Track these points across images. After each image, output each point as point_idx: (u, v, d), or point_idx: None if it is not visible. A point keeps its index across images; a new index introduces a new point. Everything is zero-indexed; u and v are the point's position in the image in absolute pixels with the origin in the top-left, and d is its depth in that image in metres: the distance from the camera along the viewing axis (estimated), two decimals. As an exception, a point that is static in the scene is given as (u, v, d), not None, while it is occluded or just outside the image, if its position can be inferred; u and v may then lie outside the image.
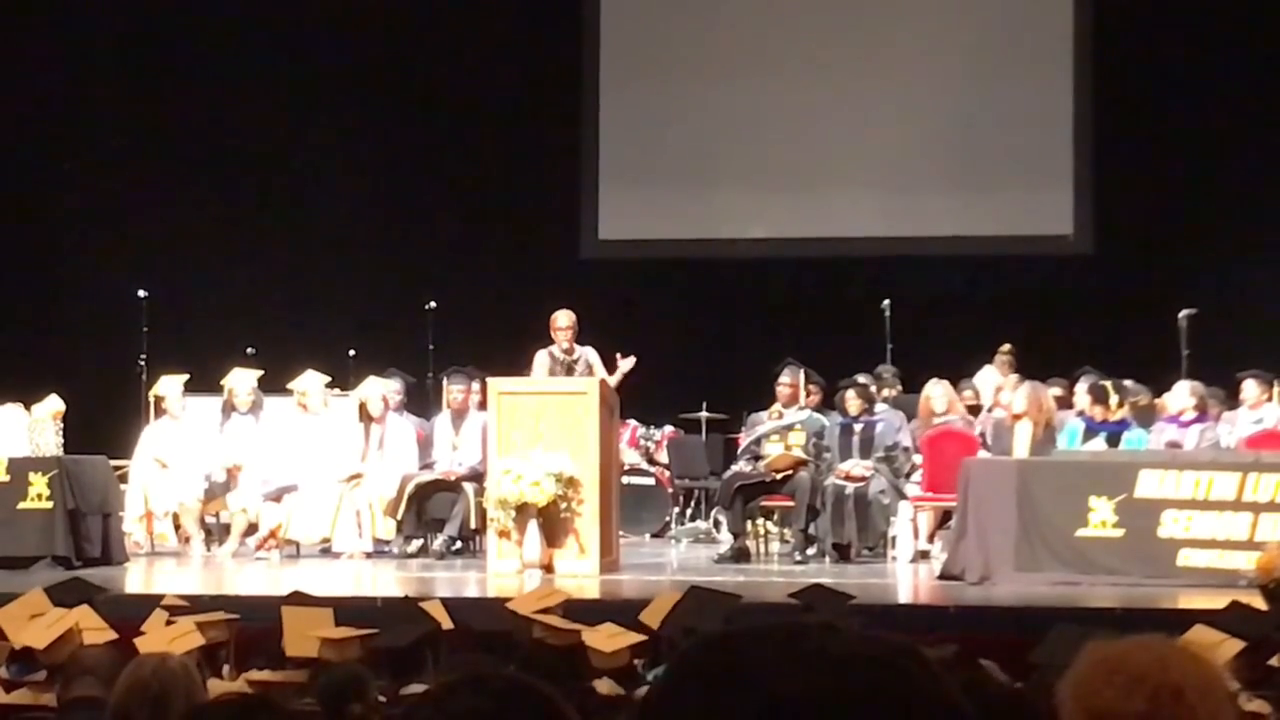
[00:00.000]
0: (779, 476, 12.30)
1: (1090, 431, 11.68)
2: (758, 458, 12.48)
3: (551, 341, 12.23)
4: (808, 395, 12.94)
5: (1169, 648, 2.06)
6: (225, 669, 6.71)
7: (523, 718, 1.69)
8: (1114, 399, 11.78)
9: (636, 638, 6.62)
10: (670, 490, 14.91)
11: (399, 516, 12.55)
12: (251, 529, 12.86)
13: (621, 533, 12.45)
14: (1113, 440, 11.57)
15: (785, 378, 12.62)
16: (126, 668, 4.25)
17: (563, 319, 12.21)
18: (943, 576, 10.91)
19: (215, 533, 13.23)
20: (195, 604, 7.63)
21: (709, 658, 1.36)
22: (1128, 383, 12.63)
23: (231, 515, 12.94)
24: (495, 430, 11.39)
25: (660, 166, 17.17)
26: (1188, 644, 2.02)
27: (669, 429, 15.67)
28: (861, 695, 1.31)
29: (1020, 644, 6.01)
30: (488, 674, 1.73)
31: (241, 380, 13.23)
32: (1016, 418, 11.80)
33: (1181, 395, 12.17)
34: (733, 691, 1.31)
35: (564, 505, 11.04)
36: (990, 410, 13.16)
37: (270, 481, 12.68)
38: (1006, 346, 13.95)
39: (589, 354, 12.19)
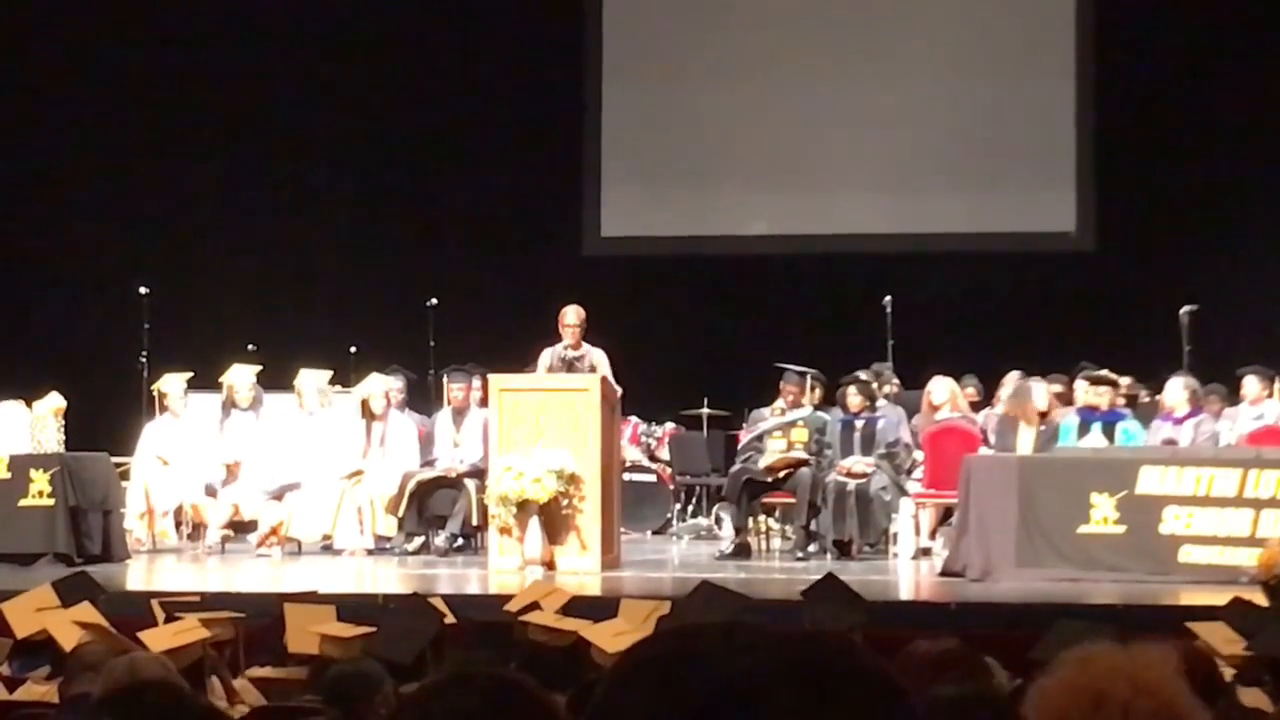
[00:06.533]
0: (780, 475, 12.30)
1: (1085, 424, 11.66)
2: (760, 453, 12.47)
3: (560, 338, 12.16)
4: (812, 393, 12.94)
5: (1135, 660, 2.05)
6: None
7: (510, 716, 1.69)
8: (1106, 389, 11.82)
9: (639, 635, 6.60)
10: (672, 487, 14.90)
11: (400, 514, 12.56)
12: (242, 526, 12.87)
13: (623, 529, 12.45)
14: (1108, 430, 11.56)
15: (790, 385, 12.61)
16: (103, 670, 4.23)
17: (569, 315, 12.10)
18: (944, 573, 10.91)
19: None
20: (203, 601, 7.64)
21: (655, 650, 1.44)
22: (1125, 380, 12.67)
23: (216, 505, 12.89)
24: (497, 427, 11.39)
25: (663, 163, 17.16)
26: (1146, 652, 2.01)
27: (670, 426, 15.65)
28: (799, 669, 1.39)
29: (1021, 640, 5.99)
30: (475, 672, 1.73)
31: (241, 376, 13.23)
32: (1007, 418, 11.86)
33: (1174, 392, 12.17)
34: (679, 677, 1.39)
35: (565, 502, 11.04)
36: (993, 406, 13.17)
37: (272, 479, 12.69)
38: None
39: (595, 355, 12.04)
